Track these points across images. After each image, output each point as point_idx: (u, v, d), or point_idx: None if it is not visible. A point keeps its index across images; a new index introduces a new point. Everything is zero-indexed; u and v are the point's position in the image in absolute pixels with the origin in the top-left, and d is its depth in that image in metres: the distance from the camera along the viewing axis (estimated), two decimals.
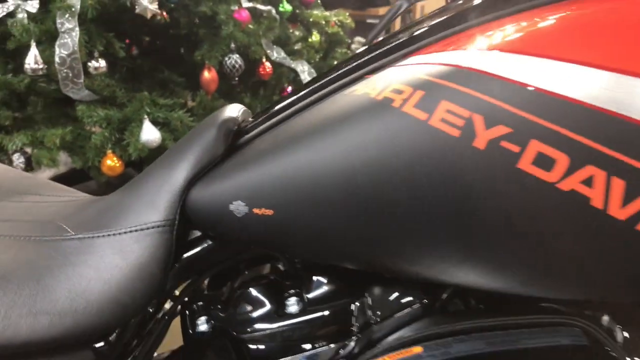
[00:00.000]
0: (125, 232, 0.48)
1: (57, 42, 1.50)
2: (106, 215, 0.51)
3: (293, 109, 0.50)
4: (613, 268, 0.38)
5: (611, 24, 0.37)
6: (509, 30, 0.40)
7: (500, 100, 0.37)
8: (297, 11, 2.17)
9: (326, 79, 0.50)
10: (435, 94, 0.40)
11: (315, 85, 0.51)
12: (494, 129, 0.37)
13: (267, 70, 1.94)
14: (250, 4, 1.86)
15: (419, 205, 0.40)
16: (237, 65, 1.80)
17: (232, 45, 1.78)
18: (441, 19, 0.48)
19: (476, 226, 0.39)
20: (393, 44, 0.48)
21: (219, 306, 0.58)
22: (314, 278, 0.54)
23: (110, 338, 0.50)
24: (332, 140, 0.43)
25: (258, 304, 0.55)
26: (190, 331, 0.58)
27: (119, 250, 0.47)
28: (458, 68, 0.40)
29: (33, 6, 1.51)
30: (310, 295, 0.54)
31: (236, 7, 1.79)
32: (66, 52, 1.50)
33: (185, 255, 0.53)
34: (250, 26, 1.84)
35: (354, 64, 0.50)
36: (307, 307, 0.54)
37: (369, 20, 3.97)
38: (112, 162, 1.58)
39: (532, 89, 0.37)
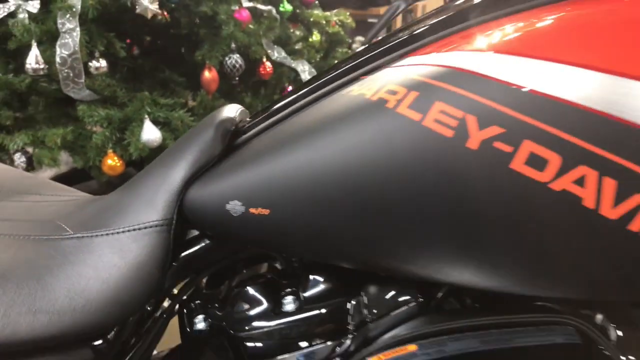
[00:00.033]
0: (123, 232, 0.48)
1: (58, 42, 1.50)
2: (105, 215, 0.51)
3: (290, 109, 0.50)
4: (605, 267, 0.39)
5: (605, 25, 0.38)
6: (504, 32, 0.41)
7: (493, 101, 0.38)
8: (298, 11, 2.17)
9: (323, 79, 0.51)
10: (430, 94, 0.40)
11: (312, 85, 0.51)
12: (488, 130, 0.37)
13: (268, 70, 1.94)
14: (251, 4, 1.86)
15: (413, 205, 0.40)
16: (237, 65, 1.81)
17: (233, 45, 1.78)
18: (438, 19, 0.48)
19: (469, 226, 0.40)
20: (390, 45, 0.48)
21: (217, 305, 0.58)
22: (311, 277, 0.55)
23: (109, 336, 0.51)
24: (328, 141, 0.43)
25: (255, 303, 0.56)
26: (188, 329, 0.59)
27: (117, 249, 0.48)
28: (452, 69, 0.40)
29: (34, 6, 1.52)
30: (307, 294, 0.54)
31: (237, 7, 1.80)
32: (67, 52, 1.50)
33: (183, 254, 0.54)
34: (251, 26, 1.85)
35: (351, 64, 0.50)
36: (303, 305, 0.54)
37: (370, 20, 3.97)
38: (113, 162, 1.59)
39: (526, 90, 0.37)
